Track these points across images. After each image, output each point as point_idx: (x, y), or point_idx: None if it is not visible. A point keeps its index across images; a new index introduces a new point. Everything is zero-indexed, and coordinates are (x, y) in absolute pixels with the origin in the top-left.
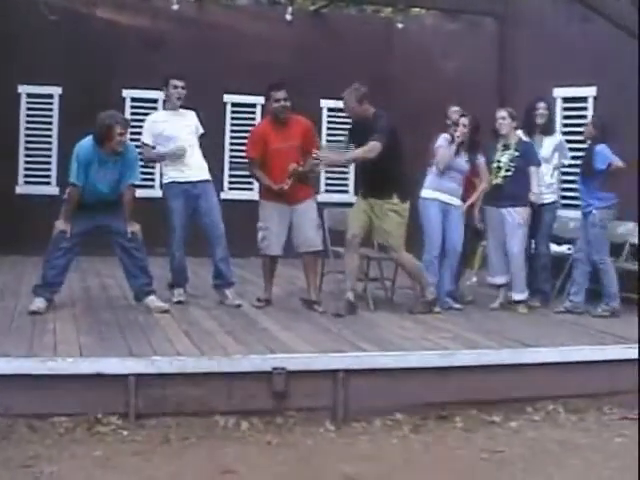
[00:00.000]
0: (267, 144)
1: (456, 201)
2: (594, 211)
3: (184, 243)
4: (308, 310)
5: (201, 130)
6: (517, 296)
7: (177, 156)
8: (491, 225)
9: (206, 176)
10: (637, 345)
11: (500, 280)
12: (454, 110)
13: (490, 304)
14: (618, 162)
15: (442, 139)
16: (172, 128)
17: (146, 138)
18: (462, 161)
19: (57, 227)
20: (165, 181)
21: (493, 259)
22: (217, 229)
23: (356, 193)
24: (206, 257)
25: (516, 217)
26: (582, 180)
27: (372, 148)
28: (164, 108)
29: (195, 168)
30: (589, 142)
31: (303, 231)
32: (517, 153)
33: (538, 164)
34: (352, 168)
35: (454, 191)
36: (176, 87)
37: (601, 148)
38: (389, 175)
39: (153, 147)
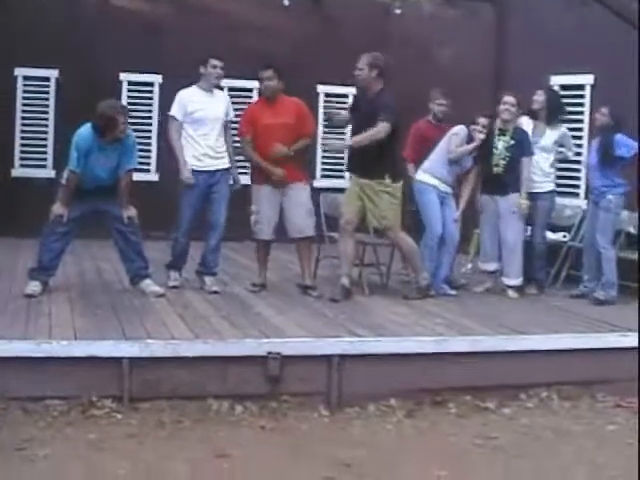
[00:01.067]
0: (257, 120)
1: (450, 190)
2: (610, 196)
3: (191, 230)
4: (303, 295)
5: (231, 114)
6: (510, 281)
7: (185, 180)
8: (485, 212)
9: (225, 165)
10: (634, 333)
11: (491, 267)
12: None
13: (476, 288)
14: None
15: (460, 129)
16: (204, 111)
17: (176, 112)
18: (469, 159)
19: (54, 212)
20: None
21: (486, 246)
22: (219, 219)
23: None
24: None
25: (511, 204)
26: (599, 167)
27: (381, 129)
28: (199, 86)
29: (215, 157)
30: (600, 130)
31: (292, 217)
32: (513, 141)
33: (531, 154)
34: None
35: (450, 183)
36: (215, 67)
37: (621, 136)
38: (381, 155)
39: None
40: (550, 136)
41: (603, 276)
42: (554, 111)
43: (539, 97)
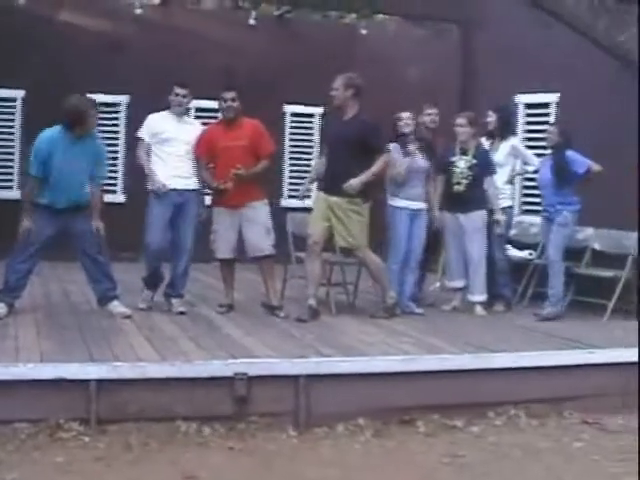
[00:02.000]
0: (215, 143)
1: (423, 205)
2: (565, 212)
3: (161, 250)
4: (270, 315)
5: None
6: (476, 297)
7: (157, 191)
8: (449, 230)
9: (193, 185)
10: (601, 350)
11: (459, 284)
12: (406, 116)
13: (443, 306)
14: (596, 166)
15: (393, 148)
16: (172, 132)
17: (144, 134)
18: (420, 160)
19: (23, 226)
20: (150, 188)
21: (452, 263)
22: (186, 242)
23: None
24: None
25: (475, 221)
26: (554, 184)
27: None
28: (170, 111)
29: (183, 176)
30: (552, 149)
31: (249, 236)
32: (475, 161)
33: (493, 173)
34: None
35: (419, 196)
36: (177, 95)
37: (573, 153)
38: (356, 174)
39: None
40: (502, 150)
41: (550, 290)
42: (505, 125)
43: (491, 118)
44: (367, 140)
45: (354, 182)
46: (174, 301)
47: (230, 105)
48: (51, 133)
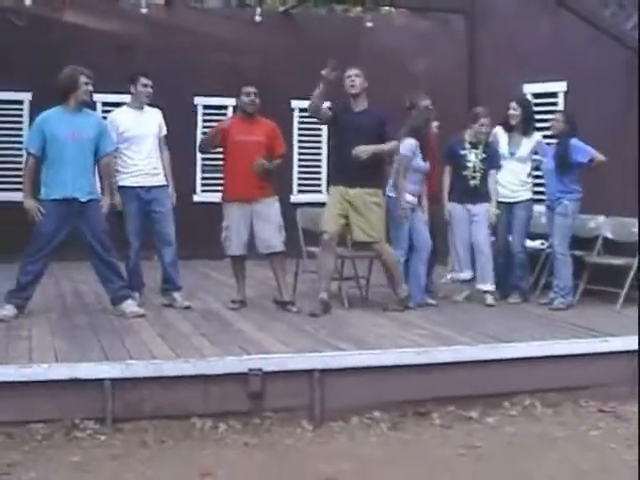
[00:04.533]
0: (229, 136)
1: (416, 200)
2: (566, 202)
3: (140, 247)
4: (282, 311)
5: (164, 131)
6: (486, 287)
7: (117, 204)
8: (459, 222)
9: (160, 182)
10: (615, 338)
11: (467, 275)
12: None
13: (455, 297)
14: (600, 156)
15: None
16: (135, 129)
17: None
18: (420, 161)
19: (29, 208)
20: (119, 184)
21: (460, 255)
22: (168, 236)
23: (329, 189)
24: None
25: (483, 212)
26: (556, 173)
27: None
28: (129, 105)
29: (150, 174)
30: (557, 137)
31: (260, 233)
32: (484, 155)
33: (499, 167)
34: (324, 168)
35: (417, 192)
36: (145, 85)
37: (577, 142)
38: (377, 165)
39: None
40: (526, 146)
41: (559, 282)
42: (529, 120)
43: (514, 111)
44: (383, 131)
45: (366, 147)
46: (176, 295)
47: (253, 100)
48: (48, 111)
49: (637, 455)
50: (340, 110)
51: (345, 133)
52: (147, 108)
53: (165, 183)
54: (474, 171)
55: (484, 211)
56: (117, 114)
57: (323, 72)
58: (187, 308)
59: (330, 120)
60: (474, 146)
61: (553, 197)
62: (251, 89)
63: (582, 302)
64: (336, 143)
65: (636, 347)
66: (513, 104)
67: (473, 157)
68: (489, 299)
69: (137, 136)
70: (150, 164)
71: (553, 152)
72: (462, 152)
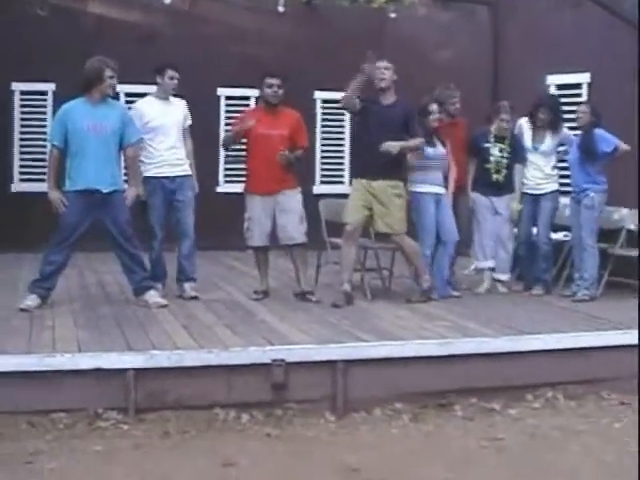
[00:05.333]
0: (253, 129)
1: (443, 190)
2: (592, 194)
3: (163, 238)
4: (303, 301)
5: (189, 121)
6: (502, 276)
7: (142, 194)
8: (483, 212)
9: (184, 172)
10: (635, 330)
11: (490, 264)
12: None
13: (477, 289)
14: (624, 145)
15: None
16: (160, 119)
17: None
18: (438, 149)
19: (53, 199)
20: (144, 175)
21: (484, 244)
22: (187, 226)
23: (351, 181)
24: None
25: (505, 206)
26: (581, 163)
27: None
28: (154, 95)
29: (174, 164)
30: (582, 128)
31: (283, 224)
32: (509, 149)
33: (524, 161)
34: (347, 160)
35: (440, 180)
36: (172, 78)
37: (601, 131)
38: (398, 158)
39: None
40: (552, 141)
41: (584, 273)
42: (556, 119)
43: (543, 116)
44: (409, 124)
45: (395, 143)
46: (186, 285)
47: (276, 91)
48: (70, 102)
49: None
50: (369, 102)
51: (372, 125)
52: (172, 99)
53: (189, 173)
54: (497, 165)
55: (507, 204)
56: (142, 104)
57: (364, 65)
58: (194, 298)
59: (357, 111)
60: (499, 140)
61: (578, 189)
62: (274, 80)
63: (604, 294)
64: (361, 135)
65: None
66: (543, 108)
67: (497, 151)
68: (500, 288)
69: (162, 126)
70: (174, 154)
71: (578, 143)
72: (486, 145)
